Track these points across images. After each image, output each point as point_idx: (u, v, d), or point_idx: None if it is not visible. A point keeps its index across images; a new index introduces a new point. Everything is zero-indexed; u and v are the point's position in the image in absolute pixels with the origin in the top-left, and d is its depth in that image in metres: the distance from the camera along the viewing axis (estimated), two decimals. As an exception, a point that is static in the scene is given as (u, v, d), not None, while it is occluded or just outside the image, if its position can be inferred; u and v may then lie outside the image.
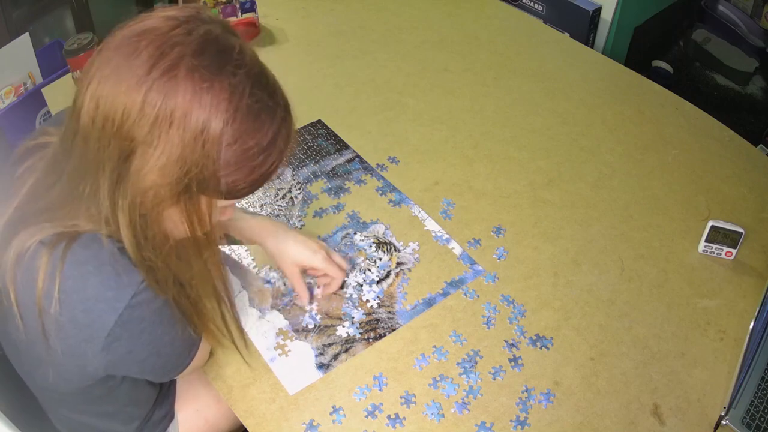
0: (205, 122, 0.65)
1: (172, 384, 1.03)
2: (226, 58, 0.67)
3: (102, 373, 0.79)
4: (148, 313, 0.75)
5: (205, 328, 0.85)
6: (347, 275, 1.07)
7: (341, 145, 1.31)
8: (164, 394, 1.00)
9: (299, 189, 1.23)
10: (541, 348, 0.99)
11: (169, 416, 1.01)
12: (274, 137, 0.70)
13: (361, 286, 1.06)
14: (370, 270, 1.08)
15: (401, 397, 0.93)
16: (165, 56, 0.64)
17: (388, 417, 0.91)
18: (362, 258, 1.10)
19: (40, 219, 0.74)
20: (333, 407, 0.92)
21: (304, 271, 1.04)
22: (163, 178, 0.67)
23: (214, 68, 0.65)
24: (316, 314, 1.02)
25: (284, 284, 1.06)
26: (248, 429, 0.90)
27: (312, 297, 1.04)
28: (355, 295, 1.05)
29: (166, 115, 0.64)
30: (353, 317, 1.02)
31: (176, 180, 0.67)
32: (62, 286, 0.71)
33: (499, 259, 1.11)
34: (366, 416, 0.91)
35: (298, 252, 1.01)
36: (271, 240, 1.02)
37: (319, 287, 1.05)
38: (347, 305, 1.03)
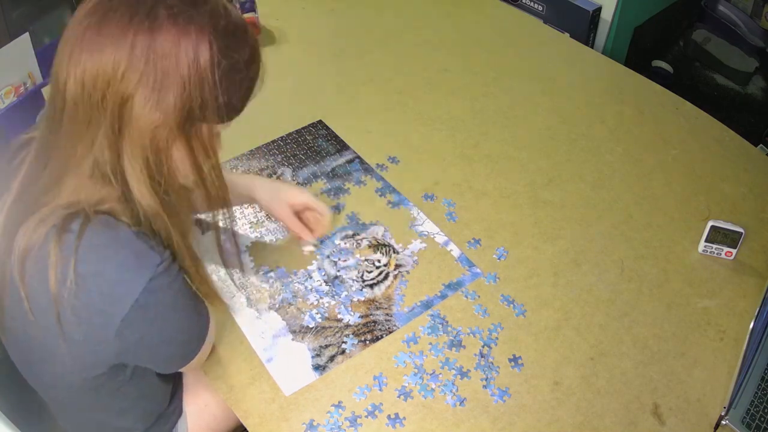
0: (195, 50, 0.69)
1: (180, 379, 1.03)
2: None
3: (113, 359, 0.80)
4: (163, 297, 0.76)
5: (207, 288, 0.86)
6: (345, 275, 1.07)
7: (341, 146, 1.31)
8: (173, 389, 1.01)
9: (299, 189, 1.23)
10: (514, 366, 0.99)
11: (178, 411, 1.01)
12: (252, 49, 0.76)
13: (361, 288, 1.06)
14: (368, 271, 1.08)
15: (401, 394, 0.93)
16: (142, 3, 0.69)
17: (388, 417, 0.91)
18: (361, 258, 1.10)
19: (38, 204, 0.74)
20: (333, 407, 0.92)
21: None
22: (167, 114, 0.70)
23: (189, 2, 0.70)
24: (315, 314, 1.02)
25: (281, 284, 1.06)
26: (248, 429, 0.90)
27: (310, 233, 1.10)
28: (355, 299, 1.05)
29: (157, 54, 0.68)
30: (349, 320, 1.02)
31: (179, 112, 0.70)
32: (78, 269, 0.71)
33: (499, 259, 1.11)
34: (366, 416, 0.91)
35: (289, 193, 1.08)
36: (261, 189, 1.08)
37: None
38: (341, 308, 1.03)
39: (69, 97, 0.70)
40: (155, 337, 0.79)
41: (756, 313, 0.99)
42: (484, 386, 0.94)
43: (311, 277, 1.07)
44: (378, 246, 1.12)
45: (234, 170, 1.25)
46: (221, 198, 0.82)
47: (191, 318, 0.84)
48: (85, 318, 0.74)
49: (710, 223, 1.10)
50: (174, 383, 1.01)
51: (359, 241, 1.13)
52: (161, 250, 0.76)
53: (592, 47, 1.79)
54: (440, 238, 1.14)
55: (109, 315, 0.74)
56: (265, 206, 1.09)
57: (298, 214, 1.10)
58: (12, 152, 0.82)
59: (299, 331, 1.00)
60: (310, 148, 1.31)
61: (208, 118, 0.73)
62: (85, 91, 0.69)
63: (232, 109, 0.76)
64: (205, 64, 0.70)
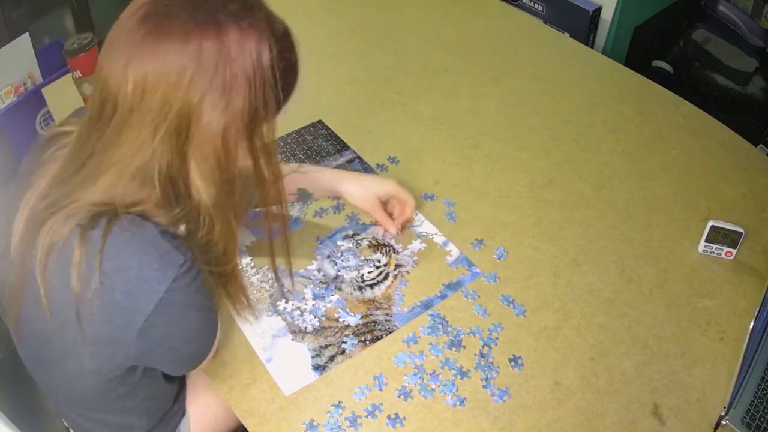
0: (258, 52, 0.71)
1: (184, 380, 1.03)
2: None
3: (131, 361, 0.80)
4: (184, 297, 0.76)
5: (238, 295, 0.87)
6: (345, 276, 1.07)
7: (341, 146, 1.31)
8: (178, 389, 1.01)
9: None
10: (514, 366, 0.99)
11: (181, 412, 1.01)
12: (297, 51, 0.80)
13: (361, 288, 1.06)
14: (369, 271, 1.08)
15: (401, 394, 0.93)
16: (202, 7, 0.70)
17: (388, 417, 0.91)
18: (362, 258, 1.10)
19: (68, 201, 0.73)
20: (333, 407, 0.92)
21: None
22: (234, 115, 0.71)
23: (247, 6, 0.72)
24: (320, 312, 1.02)
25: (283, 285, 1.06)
26: (248, 429, 0.90)
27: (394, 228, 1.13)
28: (355, 299, 1.05)
29: (226, 58, 0.69)
30: (348, 321, 1.02)
31: (246, 113, 0.72)
32: (103, 266, 0.71)
33: (499, 259, 1.11)
34: (366, 416, 0.91)
35: (376, 184, 1.12)
36: (348, 182, 1.13)
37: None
38: (341, 309, 1.03)
39: (123, 102, 0.70)
40: (175, 338, 0.79)
41: (756, 313, 0.99)
42: (484, 386, 0.94)
43: (311, 277, 1.08)
44: (378, 246, 1.12)
45: None
46: (278, 196, 0.83)
47: (207, 318, 0.84)
48: (108, 317, 0.73)
49: (710, 223, 1.10)
50: (178, 384, 1.01)
51: (359, 241, 1.13)
52: (184, 250, 0.75)
53: (592, 47, 1.80)
54: (440, 238, 1.14)
55: (132, 314, 0.73)
56: (352, 199, 1.12)
57: (384, 204, 1.13)
58: (43, 143, 0.82)
59: (299, 332, 1.00)
60: (310, 148, 1.31)
61: (268, 117, 0.75)
62: (145, 97, 0.69)
63: (283, 106, 0.79)
64: (267, 65, 0.72)
